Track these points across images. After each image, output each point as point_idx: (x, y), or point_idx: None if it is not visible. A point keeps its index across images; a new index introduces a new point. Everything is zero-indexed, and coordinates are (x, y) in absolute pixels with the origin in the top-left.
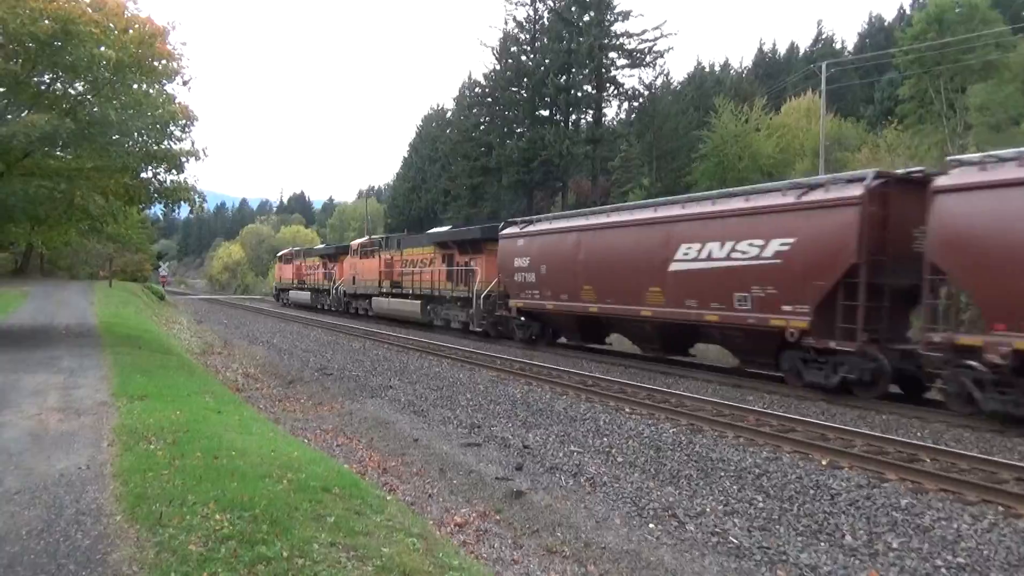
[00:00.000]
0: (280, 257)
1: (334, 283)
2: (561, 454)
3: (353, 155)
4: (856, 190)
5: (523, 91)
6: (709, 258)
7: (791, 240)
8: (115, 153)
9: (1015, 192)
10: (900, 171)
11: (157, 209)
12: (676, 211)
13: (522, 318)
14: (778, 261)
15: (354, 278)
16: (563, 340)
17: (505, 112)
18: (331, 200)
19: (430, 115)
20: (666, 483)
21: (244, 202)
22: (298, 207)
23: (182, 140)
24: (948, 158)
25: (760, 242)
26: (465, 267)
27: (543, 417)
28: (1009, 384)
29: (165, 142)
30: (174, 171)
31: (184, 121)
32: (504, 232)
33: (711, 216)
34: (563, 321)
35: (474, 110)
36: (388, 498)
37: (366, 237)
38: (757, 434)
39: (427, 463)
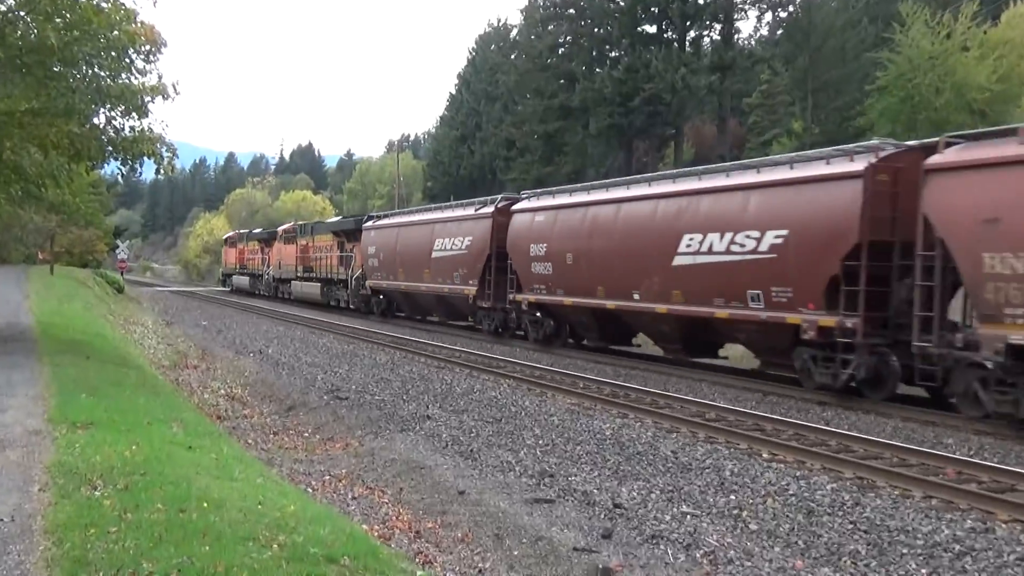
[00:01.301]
0: (226, 240)
1: (267, 268)
2: (667, 516)
3: (379, 96)
4: (490, 208)
5: None
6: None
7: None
8: (56, 90)
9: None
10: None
11: (113, 168)
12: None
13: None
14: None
15: (280, 263)
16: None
17: (594, 29)
18: (349, 155)
19: (487, 34)
20: (821, 562)
21: (231, 159)
22: (304, 165)
23: (145, 73)
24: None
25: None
26: (349, 253)
27: (642, 463)
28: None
29: (123, 75)
30: (135, 115)
31: (148, 47)
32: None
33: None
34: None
35: (550, 27)
36: (420, 574)
37: (291, 223)
38: (957, 493)
39: (477, 525)
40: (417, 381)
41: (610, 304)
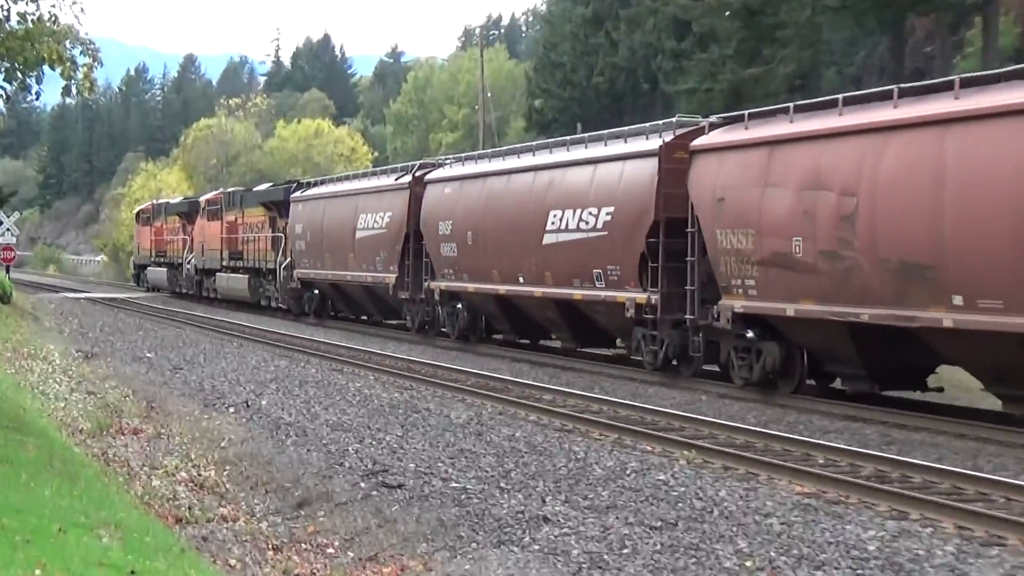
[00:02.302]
0: (138, 216)
1: (189, 255)
2: None
3: None
4: (407, 178)
5: None
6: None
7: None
8: None
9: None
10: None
11: None
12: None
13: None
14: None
15: (203, 247)
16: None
17: None
18: (395, 56)
19: None
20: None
21: (190, 65)
22: (317, 73)
23: None
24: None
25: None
26: (280, 233)
27: None
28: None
29: None
30: None
31: None
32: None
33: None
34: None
35: None
36: None
37: (218, 191)
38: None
39: None
40: (523, 453)
41: (502, 289)
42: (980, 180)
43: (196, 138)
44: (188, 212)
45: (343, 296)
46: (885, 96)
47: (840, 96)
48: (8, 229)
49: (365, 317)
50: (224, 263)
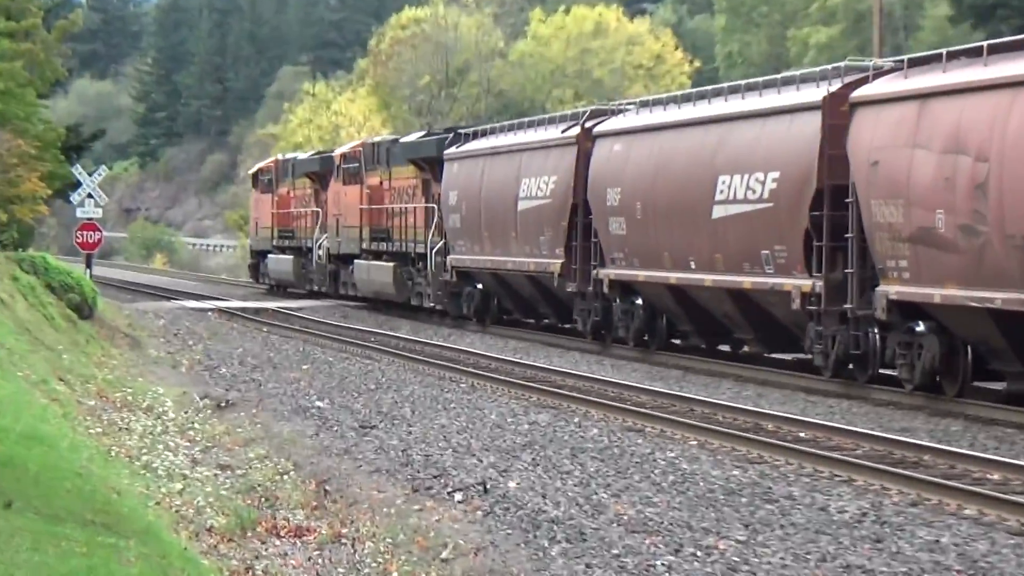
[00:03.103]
0: (254, 178)
1: (320, 235)
2: None
3: None
4: (575, 129)
5: None
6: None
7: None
8: None
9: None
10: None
11: None
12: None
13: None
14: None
15: (338, 223)
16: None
17: None
18: None
19: None
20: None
21: None
22: None
23: None
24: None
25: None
26: (433, 203)
27: None
28: None
29: None
30: None
31: None
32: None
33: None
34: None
35: None
36: None
37: (356, 143)
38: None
39: None
40: None
41: (673, 277)
42: None
43: (396, 41)
44: (321, 172)
45: (508, 291)
46: None
47: (985, 43)
48: (91, 195)
49: (533, 320)
50: (365, 245)
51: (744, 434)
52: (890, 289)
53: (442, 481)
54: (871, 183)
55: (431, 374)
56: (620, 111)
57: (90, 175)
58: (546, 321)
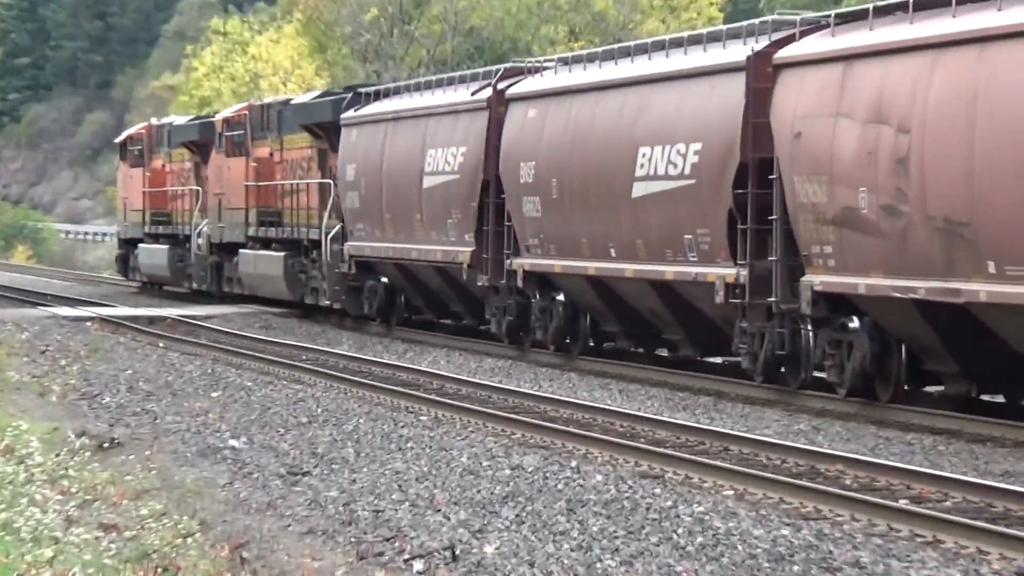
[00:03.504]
0: (122, 148)
1: (200, 219)
2: None
3: None
4: (486, 92)
5: None
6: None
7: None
8: None
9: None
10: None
11: None
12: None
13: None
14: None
15: (220, 204)
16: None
17: None
18: None
19: None
20: None
21: None
22: None
23: None
24: None
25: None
26: (328, 179)
27: None
28: None
29: None
30: None
31: None
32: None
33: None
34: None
35: None
36: None
37: (243, 104)
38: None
39: None
40: None
41: (592, 268)
42: (1009, 115)
43: None
44: (201, 142)
45: (415, 285)
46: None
47: None
48: None
49: (449, 320)
50: (252, 232)
51: (796, 480)
52: (815, 279)
53: (396, 545)
54: (794, 157)
55: (381, 403)
56: (538, 70)
57: None
58: (464, 322)
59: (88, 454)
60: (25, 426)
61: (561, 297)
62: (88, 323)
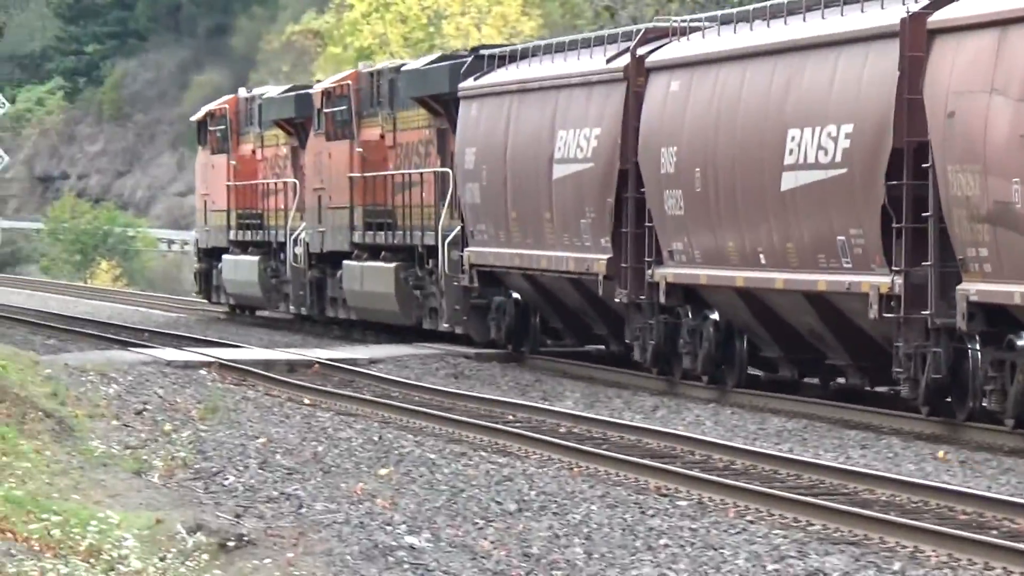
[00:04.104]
0: (200, 129)
1: (297, 221)
2: None
3: None
4: (624, 59)
5: None
6: None
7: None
8: None
9: None
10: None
11: None
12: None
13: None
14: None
15: (320, 201)
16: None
17: None
18: None
19: None
20: None
21: None
22: None
23: None
24: None
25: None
26: (447, 166)
27: None
28: None
29: None
30: None
31: None
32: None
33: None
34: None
35: None
36: None
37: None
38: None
39: None
40: None
41: (740, 278)
42: None
43: None
44: (298, 120)
45: (549, 301)
46: None
47: None
48: None
49: (594, 345)
50: (356, 237)
51: None
52: (971, 287)
53: None
54: (947, 141)
55: (621, 482)
56: (686, 31)
57: None
58: (611, 348)
59: (206, 558)
60: (116, 518)
61: (715, 316)
62: (202, 370)
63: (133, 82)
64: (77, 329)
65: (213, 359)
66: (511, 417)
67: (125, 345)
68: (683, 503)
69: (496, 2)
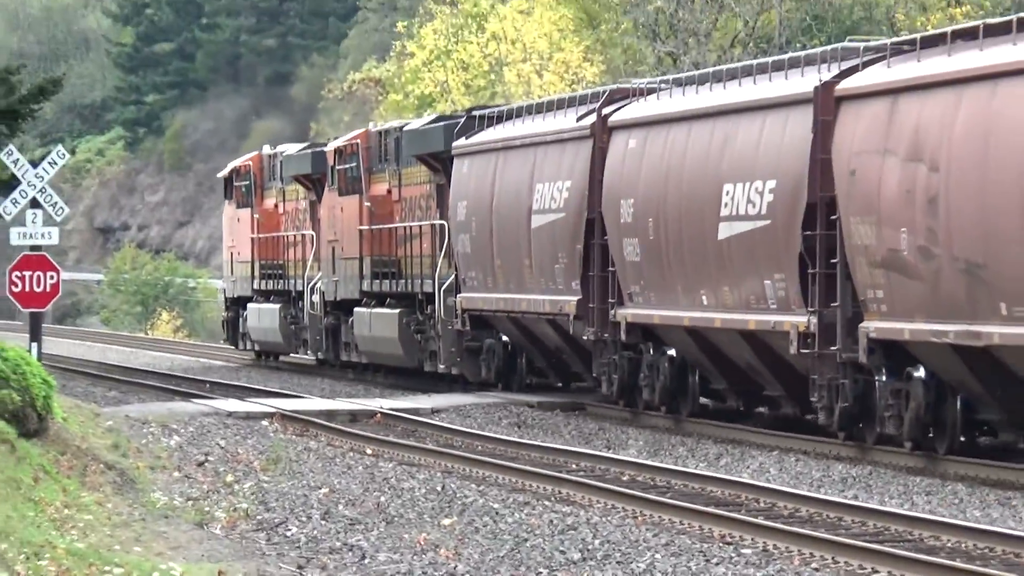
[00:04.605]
0: (227, 185)
1: (315, 268)
2: None
3: None
4: (591, 118)
5: None
6: None
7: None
8: None
9: None
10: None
11: None
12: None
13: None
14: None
15: (334, 252)
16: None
17: None
18: None
19: None
20: None
21: None
22: None
23: None
24: None
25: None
26: (443, 219)
27: None
28: None
29: None
30: None
31: None
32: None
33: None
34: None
35: None
36: None
37: (355, 133)
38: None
39: None
40: None
41: (687, 318)
42: None
43: None
44: (314, 176)
45: (532, 341)
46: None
47: (949, 29)
48: (37, 202)
49: (572, 382)
50: (366, 286)
51: None
52: (871, 325)
53: None
54: (850, 196)
55: (686, 530)
56: (645, 92)
57: (35, 165)
58: (584, 384)
59: None
60: (178, 569)
61: (672, 352)
62: (264, 421)
63: (193, 132)
64: (138, 380)
65: (275, 410)
66: (574, 466)
67: (186, 396)
68: (748, 551)
69: (557, 48)
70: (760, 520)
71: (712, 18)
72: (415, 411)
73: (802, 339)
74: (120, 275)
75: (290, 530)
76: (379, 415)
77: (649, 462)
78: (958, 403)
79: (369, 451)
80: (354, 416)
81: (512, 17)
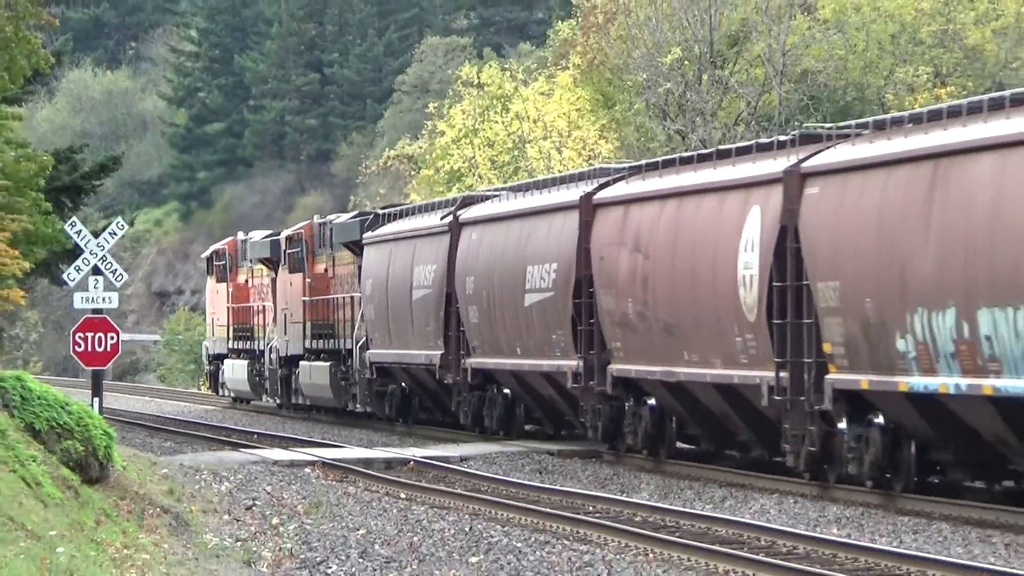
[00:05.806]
0: (209, 264)
1: (271, 332)
2: None
3: None
4: (449, 218)
5: None
6: None
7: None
8: None
9: None
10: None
11: None
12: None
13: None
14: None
15: (286, 318)
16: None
17: None
18: None
19: None
20: None
21: None
22: None
23: None
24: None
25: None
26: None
27: None
28: None
29: None
30: None
31: None
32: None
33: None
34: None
35: None
36: None
37: (302, 224)
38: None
39: None
40: None
41: (509, 364)
42: None
43: None
44: (273, 259)
45: (419, 386)
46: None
47: (678, 156)
48: (99, 269)
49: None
50: (308, 344)
51: None
52: (614, 367)
53: None
54: (600, 275)
55: (694, 566)
56: (488, 198)
57: (97, 235)
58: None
59: None
60: None
61: (507, 391)
62: (307, 469)
63: (241, 204)
64: (191, 432)
65: (317, 459)
66: (591, 508)
67: (235, 446)
68: None
69: (575, 127)
70: (761, 557)
71: (717, 99)
72: (445, 459)
73: (575, 378)
74: (175, 336)
75: (331, 567)
76: (412, 463)
77: (660, 504)
78: (671, 425)
79: (403, 495)
80: (389, 464)
81: (534, 98)
